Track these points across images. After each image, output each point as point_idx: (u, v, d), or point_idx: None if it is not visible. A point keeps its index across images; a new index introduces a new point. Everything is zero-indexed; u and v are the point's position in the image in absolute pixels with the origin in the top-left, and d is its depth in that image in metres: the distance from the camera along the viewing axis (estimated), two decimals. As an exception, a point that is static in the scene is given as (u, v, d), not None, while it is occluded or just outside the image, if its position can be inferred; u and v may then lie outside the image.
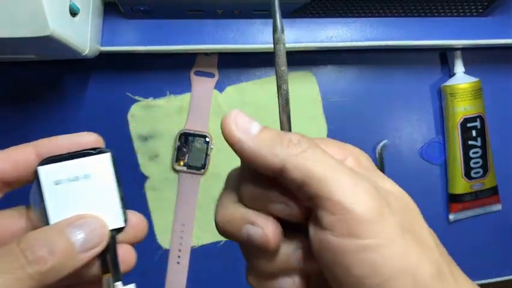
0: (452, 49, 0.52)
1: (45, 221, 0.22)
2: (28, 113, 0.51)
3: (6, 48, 0.36)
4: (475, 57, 0.53)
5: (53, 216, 0.22)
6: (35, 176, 0.23)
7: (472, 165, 0.52)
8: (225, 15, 0.44)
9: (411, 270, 0.19)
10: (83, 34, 0.39)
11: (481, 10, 0.46)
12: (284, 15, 0.45)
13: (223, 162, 0.52)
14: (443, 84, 0.52)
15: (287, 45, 0.45)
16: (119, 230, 0.24)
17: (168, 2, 0.41)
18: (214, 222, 0.25)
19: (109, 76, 0.51)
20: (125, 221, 0.24)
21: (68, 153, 0.23)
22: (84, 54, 0.39)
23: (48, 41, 0.33)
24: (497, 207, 0.55)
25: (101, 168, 0.23)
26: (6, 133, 0.50)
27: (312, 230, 0.21)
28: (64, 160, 0.23)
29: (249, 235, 0.23)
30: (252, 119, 0.23)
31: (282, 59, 0.22)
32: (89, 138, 0.24)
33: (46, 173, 0.23)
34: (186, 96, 0.51)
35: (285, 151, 0.21)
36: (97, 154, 0.23)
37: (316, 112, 0.52)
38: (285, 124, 0.23)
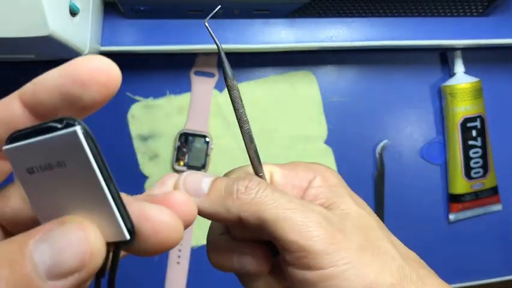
0: (452, 49, 0.52)
1: (36, 216, 0.16)
2: (28, 113, 0.51)
3: (5, 48, 0.36)
4: (475, 57, 0.53)
5: (41, 216, 0.16)
6: (8, 157, 0.16)
7: (472, 165, 0.52)
8: (225, 15, 0.44)
9: (371, 286, 0.20)
10: (83, 34, 0.39)
11: (481, 10, 0.46)
12: (284, 15, 0.45)
13: (223, 162, 0.52)
14: (443, 84, 0.52)
15: (287, 45, 0.46)
16: (122, 244, 0.16)
17: (168, 2, 0.41)
18: (208, 259, 0.26)
19: (109, 76, 0.51)
20: (131, 231, 0.16)
21: (32, 126, 0.15)
22: (84, 54, 0.39)
23: (47, 41, 0.33)
24: (498, 207, 0.55)
25: (73, 152, 0.15)
26: (6, 133, 0.50)
27: (282, 264, 0.23)
28: (30, 138, 0.15)
29: (240, 265, 0.24)
30: (201, 175, 0.23)
31: (238, 103, 0.24)
32: (88, 64, 0.16)
33: (16, 155, 0.16)
34: (186, 96, 0.51)
35: (235, 203, 0.22)
36: (62, 129, 0.15)
37: (316, 112, 0.52)
38: (254, 160, 0.24)
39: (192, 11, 0.43)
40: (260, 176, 0.24)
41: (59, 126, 0.15)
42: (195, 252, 0.52)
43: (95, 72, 0.15)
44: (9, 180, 0.19)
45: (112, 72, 0.16)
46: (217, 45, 0.23)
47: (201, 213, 0.22)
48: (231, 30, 0.45)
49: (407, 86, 0.54)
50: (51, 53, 0.40)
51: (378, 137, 0.53)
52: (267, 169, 0.24)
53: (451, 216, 0.54)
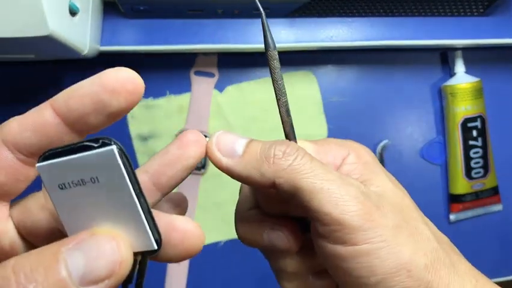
0: (452, 49, 0.52)
1: (63, 229, 0.17)
2: (28, 113, 0.51)
3: (5, 48, 0.36)
4: (476, 57, 0.53)
5: (68, 228, 0.17)
6: (40, 173, 0.17)
7: (472, 165, 0.52)
8: (225, 15, 0.44)
9: (406, 266, 0.20)
10: (82, 34, 0.39)
11: (481, 10, 0.46)
12: (284, 15, 0.45)
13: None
14: (444, 84, 0.52)
15: (287, 45, 0.46)
16: (150, 254, 0.17)
17: (168, 2, 0.41)
18: (236, 233, 0.25)
19: (109, 76, 0.51)
20: (158, 241, 0.17)
21: (67, 145, 0.17)
22: (83, 54, 0.39)
23: (47, 41, 0.33)
24: (498, 207, 0.55)
25: (108, 169, 0.16)
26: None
27: (313, 237, 0.22)
28: (64, 156, 0.16)
29: (270, 240, 0.24)
30: (235, 135, 0.22)
31: (278, 74, 0.23)
32: (117, 75, 0.17)
33: (48, 173, 0.17)
34: (186, 96, 0.51)
35: (271, 168, 0.21)
36: (98, 148, 0.16)
37: (317, 112, 0.52)
38: (290, 134, 0.23)
39: (192, 10, 0.43)
40: None
41: (95, 145, 0.16)
42: (194, 252, 0.52)
43: (123, 81, 0.17)
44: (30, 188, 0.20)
45: (137, 82, 0.18)
46: (261, 13, 0.22)
47: (234, 175, 0.22)
48: (231, 30, 0.45)
49: (408, 86, 0.54)
50: (51, 52, 0.40)
51: (378, 137, 0.53)
52: (300, 145, 0.23)
53: (452, 217, 0.54)
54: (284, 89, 0.23)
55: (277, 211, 0.24)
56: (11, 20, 0.31)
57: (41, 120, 0.18)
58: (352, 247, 0.20)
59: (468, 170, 0.52)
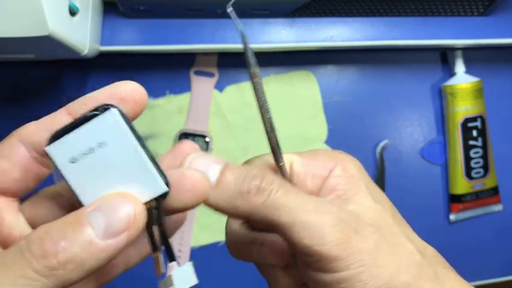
0: (452, 49, 0.52)
1: (78, 203, 0.19)
2: (28, 113, 0.51)
3: (5, 48, 0.36)
4: (476, 57, 0.53)
5: (85, 198, 0.19)
6: (48, 157, 0.19)
7: (472, 165, 0.52)
8: (225, 15, 0.44)
9: (386, 285, 0.20)
10: (82, 34, 0.39)
11: (481, 10, 0.46)
12: (284, 15, 0.45)
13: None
14: (444, 84, 0.52)
15: (288, 45, 0.45)
16: (163, 197, 0.19)
17: (168, 2, 0.41)
18: (226, 246, 0.26)
19: (109, 76, 0.51)
20: (167, 183, 0.19)
21: (72, 122, 0.19)
22: (83, 53, 0.39)
23: (47, 41, 0.33)
24: (498, 207, 0.55)
25: (112, 130, 0.18)
26: (5, 133, 0.50)
27: (298, 263, 0.22)
28: (70, 131, 0.18)
29: (259, 256, 0.24)
30: (209, 160, 0.21)
31: (259, 91, 0.23)
32: (126, 87, 0.20)
33: (57, 152, 0.18)
34: (186, 96, 0.51)
35: (246, 204, 0.20)
36: (101, 114, 0.18)
37: (317, 112, 0.52)
38: (275, 149, 0.23)
39: (192, 10, 0.43)
40: (280, 166, 0.23)
41: (97, 112, 0.18)
42: (194, 252, 0.52)
43: (131, 92, 0.20)
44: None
45: (142, 93, 0.20)
46: (241, 32, 0.22)
47: (207, 205, 0.21)
48: (231, 30, 0.45)
49: (408, 86, 0.54)
50: (50, 52, 0.40)
51: (378, 137, 0.53)
52: (287, 158, 0.24)
53: (452, 217, 0.54)
54: (267, 105, 0.23)
55: (264, 228, 0.24)
56: (11, 20, 0.31)
57: (56, 121, 0.20)
58: (334, 274, 0.20)
59: (468, 170, 0.52)
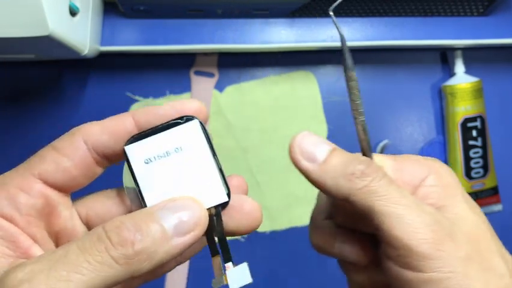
0: (452, 49, 0.52)
1: (140, 204, 0.21)
2: (28, 113, 0.51)
3: (5, 48, 0.36)
4: (476, 57, 0.53)
5: (149, 199, 0.21)
6: (124, 156, 0.21)
7: (472, 165, 0.52)
8: (225, 15, 0.44)
9: None
10: (82, 34, 0.39)
11: (481, 10, 0.46)
12: (284, 15, 0.45)
13: (223, 162, 0.51)
14: (444, 84, 0.52)
15: (288, 45, 0.46)
16: (223, 206, 0.21)
17: (168, 2, 0.41)
18: (309, 239, 0.26)
19: (109, 76, 0.51)
20: (228, 194, 0.21)
21: (154, 127, 0.21)
22: (83, 54, 0.39)
23: (47, 41, 0.33)
24: (498, 207, 0.55)
25: (191, 138, 0.21)
26: (5, 133, 0.50)
27: (381, 257, 0.22)
28: (151, 135, 0.21)
29: (340, 252, 0.24)
30: (319, 140, 0.23)
31: (355, 94, 0.23)
32: (191, 105, 0.22)
33: (135, 152, 0.21)
34: (186, 96, 0.51)
35: (347, 185, 0.21)
36: (184, 123, 0.21)
37: (317, 112, 0.52)
38: (367, 151, 0.24)
39: (192, 10, 0.43)
40: None
41: (181, 121, 0.21)
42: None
43: (195, 110, 0.22)
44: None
45: (205, 111, 0.22)
46: (340, 35, 0.24)
47: (310, 179, 0.22)
48: (231, 30, 0.45)
49: (408, 86, 0.54)
50: (51, 53, 0.40)
51: (378, 136, 0.53)
52: (378, 161, 0.23)
53: (451, 216, 0.54)
54: (362, 108, 0.24)
55: (350, 225, 0.24)
56: (11, 20, 0.31)
57: (121, 126, 0.21)
58: (419, 274, 0.20)
59: (468, 169, 0.52)
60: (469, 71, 0.52)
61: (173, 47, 0.44)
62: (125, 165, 0.21)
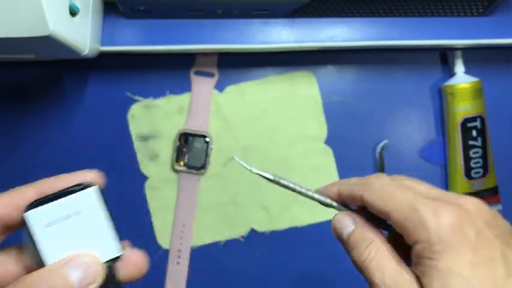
0: (452, 49, 0.52)
1: (41, 263, 0.23)
2: (28, 113, 0.51)
3: (5, 48, 0.36)
4: (476, 57, 0.53)
5: (48, 258, 0.23)
6: (24, 222, 0.23)
7: (472, 165, 0.52)
8: (225, 15, 0.44)
9: None
10: (82, 34, 0.39)
11: (481, 10, 0.46)
12: (284, 15, 0.45)
13: (223, 162, 0.52)
14: (444, 84, 0.52)
15: (288, 45, 0.46)
16: (116, 259, 0.24)
17: (168, 2, 0.41)
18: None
19: (109, 76, 0.51)
20: (120, 249, 0.24)
21: (54, 193, 0.23)
22: (84, 54, 0.39)
23: (47, 41, 0.33)
24: (498, 207, 0.55)
25: (89, 202, 0.23)
26: (5, 133, 0.50)
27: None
28: (52, 200, 0.23)
29: None
30: (346, 222, 0.27)
31: (294, 188, 0.28)
32: (90, 176, 0.25)
33: (35, 217, 0.22)
34: (186, 96, 0.51)
35: (362, 256, 0.25)
36: (83, 189, 0.23)
37: (316, 112, 0.52)
38: (341, 208, 0.29)
39: (192, 10, 0.43)
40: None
41: (79, 188, 0.23)
42: (195, 252, 0.52)
43: (96, 177, 0.25)
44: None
45: (101, 178, 0.26)
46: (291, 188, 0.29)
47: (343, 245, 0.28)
48: (231, 30, 0.45)
49: (407, 86, 0.54)
50: (51, 53, 0.40)
51: (378, 137, 0.53)
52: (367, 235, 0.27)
53: (451, 216, 0.54)
54: (309, 190, 0.29)
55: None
56: (12, 20, 0.31)
57: (24, 201, 0.23)
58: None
59: (468, 170, 0.52)
60: (468, 71, 0.52)
61: (173, 47, 0.44)
62: (25, 229, 0.23)
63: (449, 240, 0.22)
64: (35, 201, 0.23)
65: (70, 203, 0.23)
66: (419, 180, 0.28)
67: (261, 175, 0.28)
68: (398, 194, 0.25)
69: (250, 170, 0.28)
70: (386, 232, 0.28)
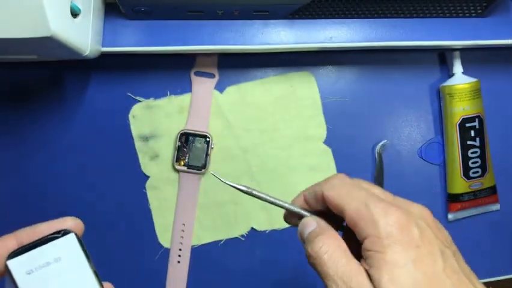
0: (451, 49, 0.52)
1: None
2: (29, 113, 0.51)
3: (7, 48, 0.37)
4: (474, 58, 0.53)
5: None
6: (7, 270, 0.23)
7: (470, 165, 0.52)
8: (225, 16, 0.45)
9: None
10: (84, 35, 0.39)
11: (479, 11, 0.46)
12: (284, 16, 0.45)
13: (223, 162, 0.52)
14: (442, 85, 0.53)
15: (287, 46, 0.46)
16: None
17: (168, 3, 0.41)
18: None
19: (110, 77, 0.51)
20: None
21: (34, 241, 0.24)
22: (85, 54, 0.40)
23: (49, 42, 0.33)
24: (496, 206, 0.55)
25: (68, 248, 0.24)
26: (6, 133, 0.51)
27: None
28: (32, 249, 0.24)
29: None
30: (309, 222, 0.29)
31: (270, 200, 0.30)
32: (70, 223, 0.25)
33: (17, 265, 0.23)
34: (187, 97, 0.51)
35: (316, 250, 0.27)
36: (62, 237, 0.24)
37: (316, 112, 0.53)
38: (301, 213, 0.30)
39: (192, 11, 0.43)
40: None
41: (59, 235, 0.24)
42: (195, 252, 0.52)
43: (74, 225, 0.26)
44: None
45: (80, 225, 0.27)
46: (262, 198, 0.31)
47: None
48: (231, 31, 0.45)
49: (406, 86, 0.54)
50: (52, 53, 0.40)
51: (377, 137, 0.53)
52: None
53: (450, 216, 0.55)
54: (285, 202, 0.30)
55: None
56: (13, 20, 0.31)
57: (4, 249, 0.24)
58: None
59: (466, 169, 0.52)
60: (467, 71, 0.52)
61: (173, 47, 0.45)
62: (7, 277, 0.24)
63: (396, 236, 0.24)
64: (16, 250, 0.24)
65: (50, 250, 0.24)
66: (375, 185, 0.29)
67: (235, 187, 0.30)
68: (354, 192, 0.26)
69: (225, 183, 0.30)
70: (341, 233, 0.30)
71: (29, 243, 0.24)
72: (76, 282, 0.24)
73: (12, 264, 0.23)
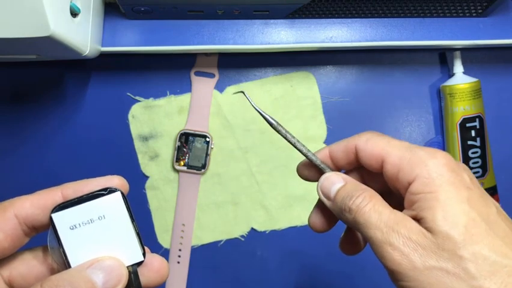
0: (451, 49, 0.52)
1: (65, 264, 0.23)
2: (28, 113, 0.51)
3: (7, 48, 0.37)
4: (474, 58, 0.53)
5: (73, 260, 0.23)
6: (51, 223, 0.23)
7: (471, 165, 0.52)
8: (225, 16, 0.45)
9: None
10: (83, 34, 0.39)
11: (480, 11, 0.46)
12: (284, 16, 0.45)
13: (223, 162, 0.52)
14: (443, 85, 0.53)
15: (287, 46, 0.46)
16: (139, 264, 0.25)
17: (168, 3, 0.41)
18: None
19: (110, 76, 0.51)
20: (144, 254, 0.25)
21: (80, 196, 0.24)
22: (85, 54, 0.40)
23: (48, 42, 0.33)
24: (497, 207, 0.55)
25: (114, 207, 0.24)
26: (6, 133, 0.51)
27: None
28: (77, 204, 0.23)
29: None
30: (333, 180, 0.28)
31: (290, 138, 0.29)
32: (116, 182, 0.25)
33: (60, 219, 0.23)
34: (186, 97, 0.51)
35: (356, 203, 0.25)
36: (108, 194, 0.24)
37: (316, 112, 0.53)
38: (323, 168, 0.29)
39: (192, 11, 0.43)
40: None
41: (105, 192, 0.24)
42: (195, 252, 0.52)
43: (120, 183, 0.26)
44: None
45: (125, 184, 0.26)
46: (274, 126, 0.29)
47: (328, 208, 0.28)
48: (231, 31, 0.45)
49: (407, 86, 0.54)
50: (52, 53, 0.40)
51: (377, 137, 0.53)
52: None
53: (450, 216, 0.54)
54: (303, 146, 0.29)
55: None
56: (13, 20, 0.31)
57: (50, 201, 0.24)
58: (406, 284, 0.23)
59: (467, 169, 0.52)
60: (467, 71, 0.52)
61: (173, 47, 0.44)
62: (50, 231, 0.23)
63: (448, 177, 0.23)
64: (62, 203, 0.23)
65: (95, 207, 0.24)
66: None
67: (263, 116, 0.28)
68: (393, 141, 0.26)
69: (255, 108, 0.28)
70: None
71: (75, 198, 0.24)
72: (118, 242, 0.24)
73: (57, 217, 0.23)
